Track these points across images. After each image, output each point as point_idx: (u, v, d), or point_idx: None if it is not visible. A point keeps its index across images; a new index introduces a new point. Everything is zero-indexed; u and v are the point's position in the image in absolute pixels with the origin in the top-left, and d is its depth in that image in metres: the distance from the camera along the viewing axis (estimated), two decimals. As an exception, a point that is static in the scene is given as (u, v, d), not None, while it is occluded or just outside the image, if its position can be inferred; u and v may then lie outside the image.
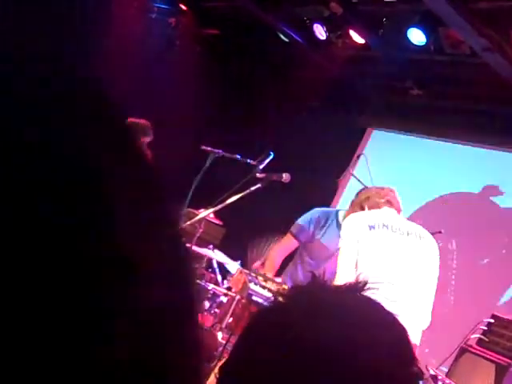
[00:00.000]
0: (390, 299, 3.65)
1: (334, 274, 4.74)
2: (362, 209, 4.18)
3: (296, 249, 4.98)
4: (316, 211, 4.97)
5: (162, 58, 7.73)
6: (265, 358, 1.03)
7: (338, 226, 4.80)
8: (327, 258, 4.76)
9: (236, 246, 6.17)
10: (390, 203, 4.11)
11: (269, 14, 7.40)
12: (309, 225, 4.87)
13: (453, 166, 7.15)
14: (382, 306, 1.16)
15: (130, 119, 6.09)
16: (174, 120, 7.71)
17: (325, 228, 4.83)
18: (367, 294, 1.18)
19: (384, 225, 3.95)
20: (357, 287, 1.18)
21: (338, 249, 4.64)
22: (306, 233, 4.85)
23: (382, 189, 4.24)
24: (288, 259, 5.10)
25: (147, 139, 6.10)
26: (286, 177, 4.75)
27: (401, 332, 1.13)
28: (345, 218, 4.80)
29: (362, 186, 4.92)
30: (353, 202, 4.53)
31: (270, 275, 4.20)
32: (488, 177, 6.94)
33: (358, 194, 4.73)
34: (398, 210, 4.13)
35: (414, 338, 3.82)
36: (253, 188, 4.69)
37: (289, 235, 4.93)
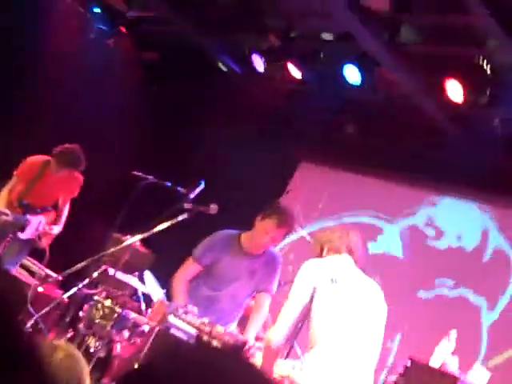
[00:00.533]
0: (340, 358, 3.62)
1: (234, 297, 4.68)
2: (322, 249, 3.97)
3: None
4: (218, 234, 4.86)
5: (98, 79, 7.63)
6: None
7: (240, 248, 4.73)
8: (229, 281, 4.70)
9: (165, 273, 6.08)
10: (350, 251, 3.93)
11: (208, 41, 7.42)
12: (210, 248, 4.78)
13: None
14: (258, 371, 1.15)
15: (62, 146, 5.97)
16: (107, 144, 7.61)
17: (227, 251, 4.74)
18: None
19: (344, 280, 3.77)
20: (239, 348, 1.19)
21: (244, 275, 4.59)
22: (207, 257, 4.75)
23: (347, 233, 4.03)
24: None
25: (79, 169, 5.97)
26: (213, 208, 4.67)
27: None
28: (248, 239, 4.71)
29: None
30: (311, 237, 4.36)
31: (192, 308, 4.11)
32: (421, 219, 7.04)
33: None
34: (358, 260, 3.94)
35: None
36: (179, 218, 4.62)
37: (190, 260, 4.80)
